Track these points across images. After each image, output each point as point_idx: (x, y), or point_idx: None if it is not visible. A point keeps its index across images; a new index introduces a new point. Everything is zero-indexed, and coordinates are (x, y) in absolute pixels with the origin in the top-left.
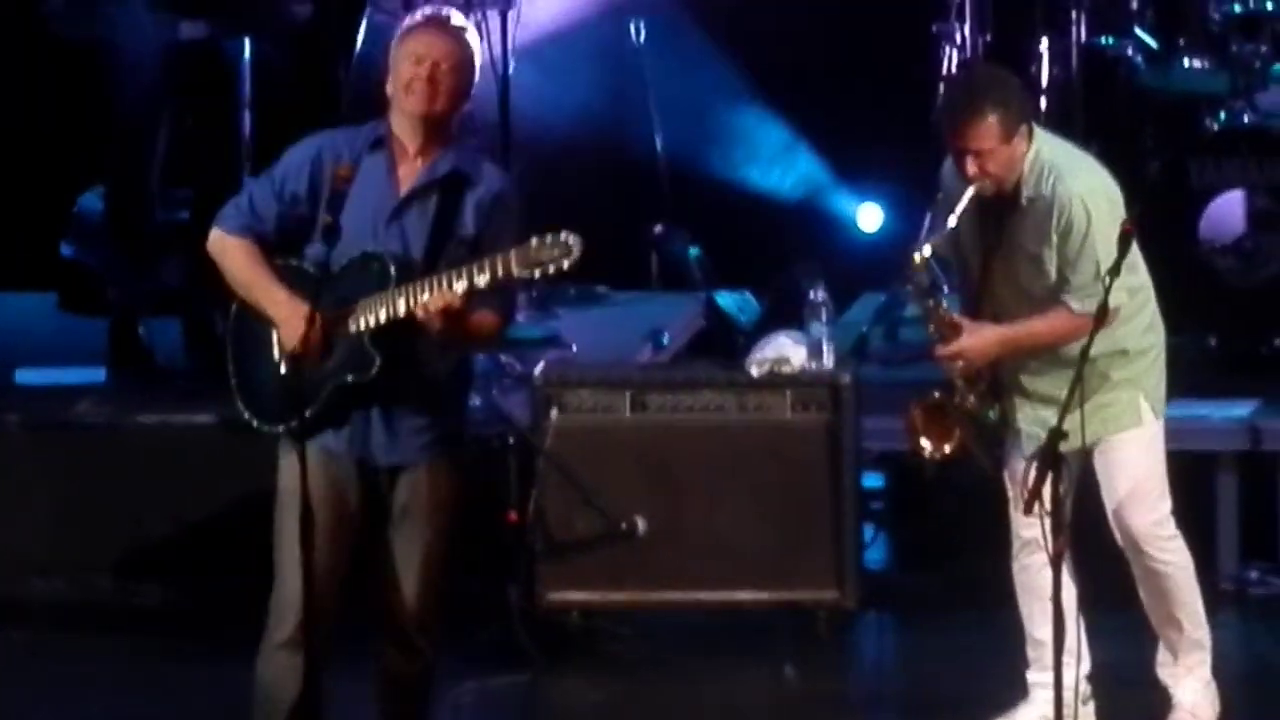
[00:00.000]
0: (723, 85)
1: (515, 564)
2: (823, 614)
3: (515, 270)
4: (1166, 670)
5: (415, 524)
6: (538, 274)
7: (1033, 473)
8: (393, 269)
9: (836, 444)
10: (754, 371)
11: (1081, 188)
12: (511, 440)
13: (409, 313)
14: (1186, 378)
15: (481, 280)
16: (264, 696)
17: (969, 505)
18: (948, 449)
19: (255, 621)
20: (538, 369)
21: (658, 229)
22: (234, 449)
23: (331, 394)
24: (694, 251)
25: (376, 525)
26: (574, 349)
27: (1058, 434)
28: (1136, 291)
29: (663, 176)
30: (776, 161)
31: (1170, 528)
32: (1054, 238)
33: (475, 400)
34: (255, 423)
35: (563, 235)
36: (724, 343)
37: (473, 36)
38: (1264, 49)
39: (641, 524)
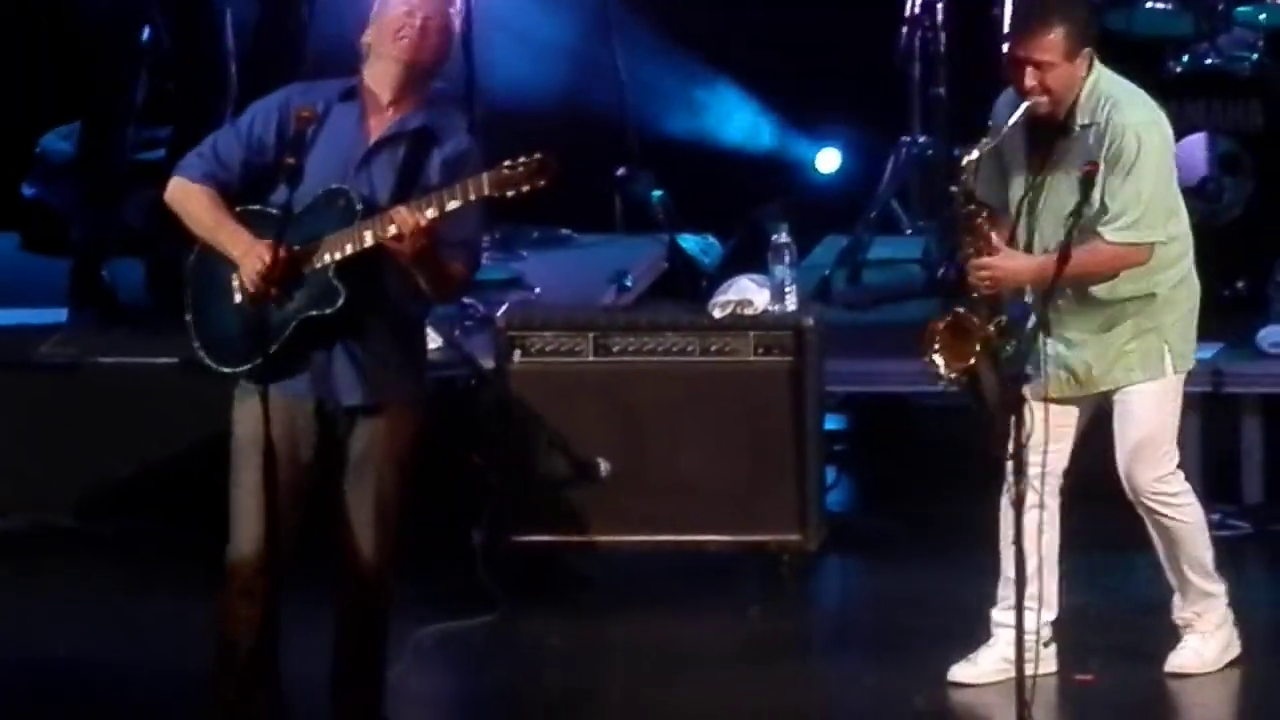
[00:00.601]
0: (684, 31)
1: (479, 506)
2: (786, 556)
3: (487, 190)
4: (1178, 612)
5: (372, 471)
6: (511, 193)
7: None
8: (358, 204)
9: (799, 386)
10: (717, 314)
11: (1137, 119)
12: (475, 382)
13: (376, 244)
14: None
15: (451, 204)
16: (223, 643)
17: (930, 448)
18: (958, 369)
19: (215, 560)
20: (501, 311)
21: (621, 171)
22: (195, 390)
23: (295, 330)
24: (657, 194)
25: (333, 470)
26: (537, 291)
27: (1020, 378)
28: (1175, 239)
29: (627, 120)
30: (736, 108)
31: (1175, 484)
32: (1102, 165)
33: (438, 342)
34: (215, 366)
35: (536, 155)
36: (687, 285)
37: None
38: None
39: (605, 466)
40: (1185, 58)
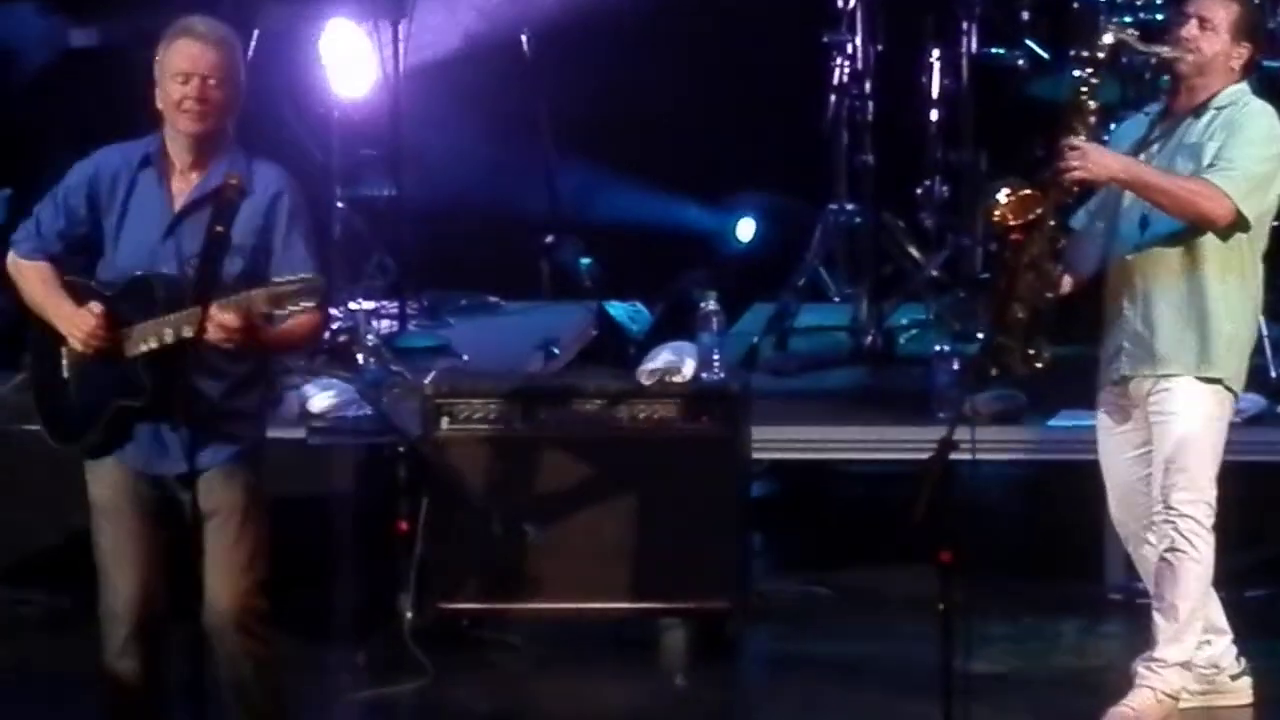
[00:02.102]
0: (611, 99)
1: (406, 573)
2: (713, 623)
3: (263, 308)
4: (1143, 662)
5: (220, 527)
6: (286, 312)
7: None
8: (160, 293)
9: (727, 453)
10: (645, 381)
11: (1271, 114)
12: (402, 450)
13: (178, 341)
14: (1079, 389)
15: (230, 319)
16: (110, 702)
17: (856, 513)
18: (1013, 233)
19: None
20: (428, 379)
21: (549, 238)
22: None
23: (109, 417)
24: (585, 261)
25: (185, 526)
26: (465, 358)
27: (948, 445)
28: (1257, 256)
29: (554, 187)
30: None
31: (1206, 516)
32: (1223, 133)
33: (365, 410)
34: (51, 440)
35: (307, 275)
36: (615, 352)
37: (235, 41)
38: (1154, 60)
39: (533, 533)
40: (1113, 126)
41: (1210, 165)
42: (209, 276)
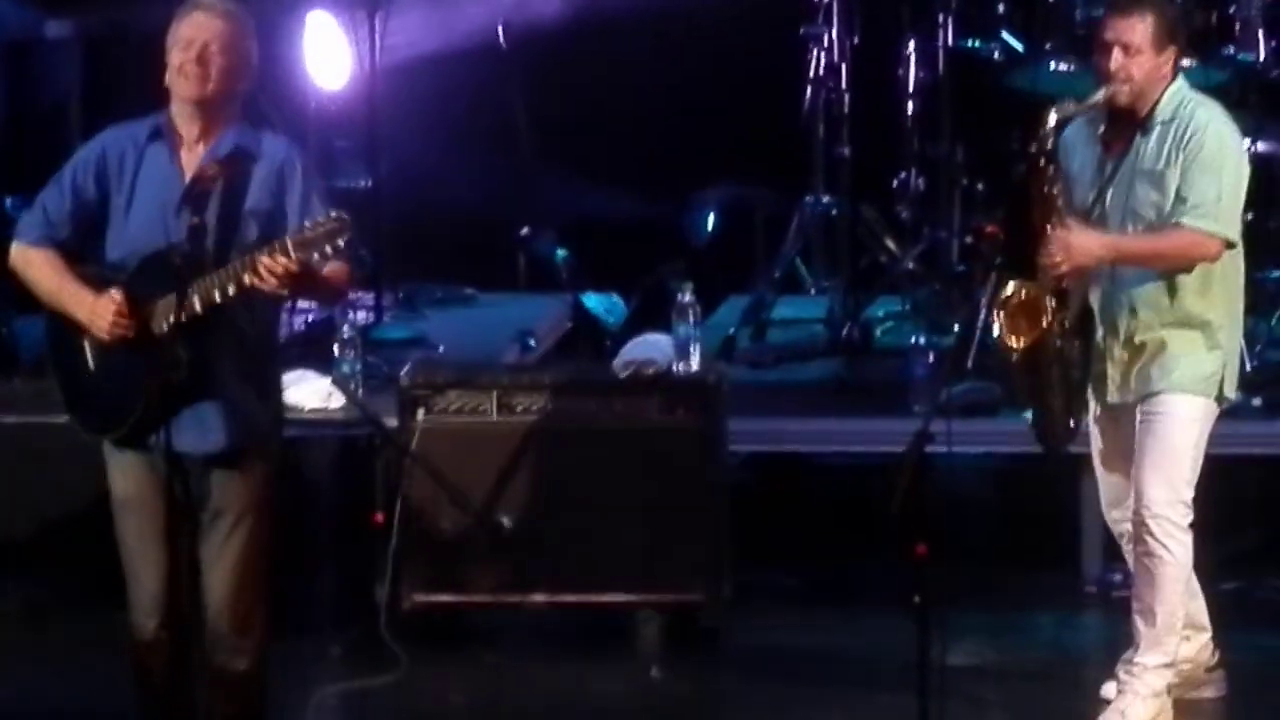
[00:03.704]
0: (587, 91)
1: (381, 564)
2: (688, 615)
3: (293, 253)
4: (1124, 666)
5: (228, 525)
6: (316, 256)
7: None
8: (179, 263)
9: (704, 445)
10: (621, 373)
11: (1220, 121)
12: (378, 441)
13: (206, 306)
14: None
15: (283, 262)
16: (138, 690)
17: (835, 506)
18: (1017, 344)
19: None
20: (404, 370)
21: (524, 230)
22: (93, 449)
23: (146, 397)
24: (561, 253)
25: (195, 519)
26: (441, 350)
27: (924, 437)
28: (1236, 257)
29: (529, 179)
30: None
31: (1183, 517)
32: (1181, 157)
33: (342, 400)
34: (86, 432)
35: (332, 213)
36: (591, 344)
37: (244, 16)
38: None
39: (508, 524)
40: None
41: (1180, 202)
42: (232, 229)
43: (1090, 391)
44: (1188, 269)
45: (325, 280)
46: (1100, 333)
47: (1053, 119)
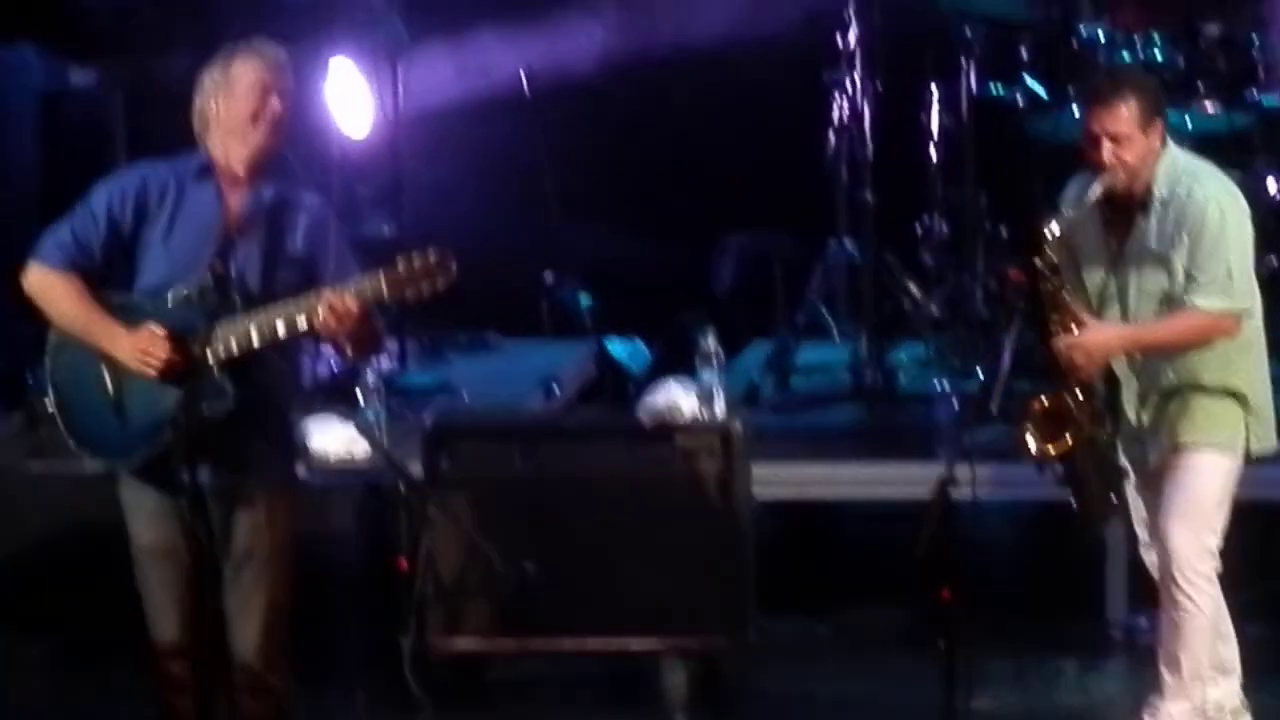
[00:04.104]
0: (613, 139)
1: (406, 611)
2: (713, 662)
3: (386, 293)
4: (1149, 712)
5: (255, 567)
6: (409, 295)
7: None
8: (237, 296)
9: (727, 491)
10: (645, 419)
11: (1217, 190)
12: (402, 488)
13: (262, 341)
14: None
15: (349, 303)
16: None
17: (859, 552)
18: (1054, 453)
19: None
20: (428, 417)
21: (548, 276)
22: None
23: (180, 426)
24: (585, 299)
25: (218, 566)
26: (465, 396)
27: (948, 483)
28: (1254, 316)
29: (554, 225)
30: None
31: (1208, 566)
32: (1185, 239)
33: (365, 447)
34: (91, 457)
35: (431, 254)
36: (615, 390)
37: (291, 70)
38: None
39: (532, 571)
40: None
41: (1191, 282)
42: (274, 271)
43: (1121, 451)
44: (1208, 345)
45: (375, 330)
46: (1127, 397)
47: (1055, 231)
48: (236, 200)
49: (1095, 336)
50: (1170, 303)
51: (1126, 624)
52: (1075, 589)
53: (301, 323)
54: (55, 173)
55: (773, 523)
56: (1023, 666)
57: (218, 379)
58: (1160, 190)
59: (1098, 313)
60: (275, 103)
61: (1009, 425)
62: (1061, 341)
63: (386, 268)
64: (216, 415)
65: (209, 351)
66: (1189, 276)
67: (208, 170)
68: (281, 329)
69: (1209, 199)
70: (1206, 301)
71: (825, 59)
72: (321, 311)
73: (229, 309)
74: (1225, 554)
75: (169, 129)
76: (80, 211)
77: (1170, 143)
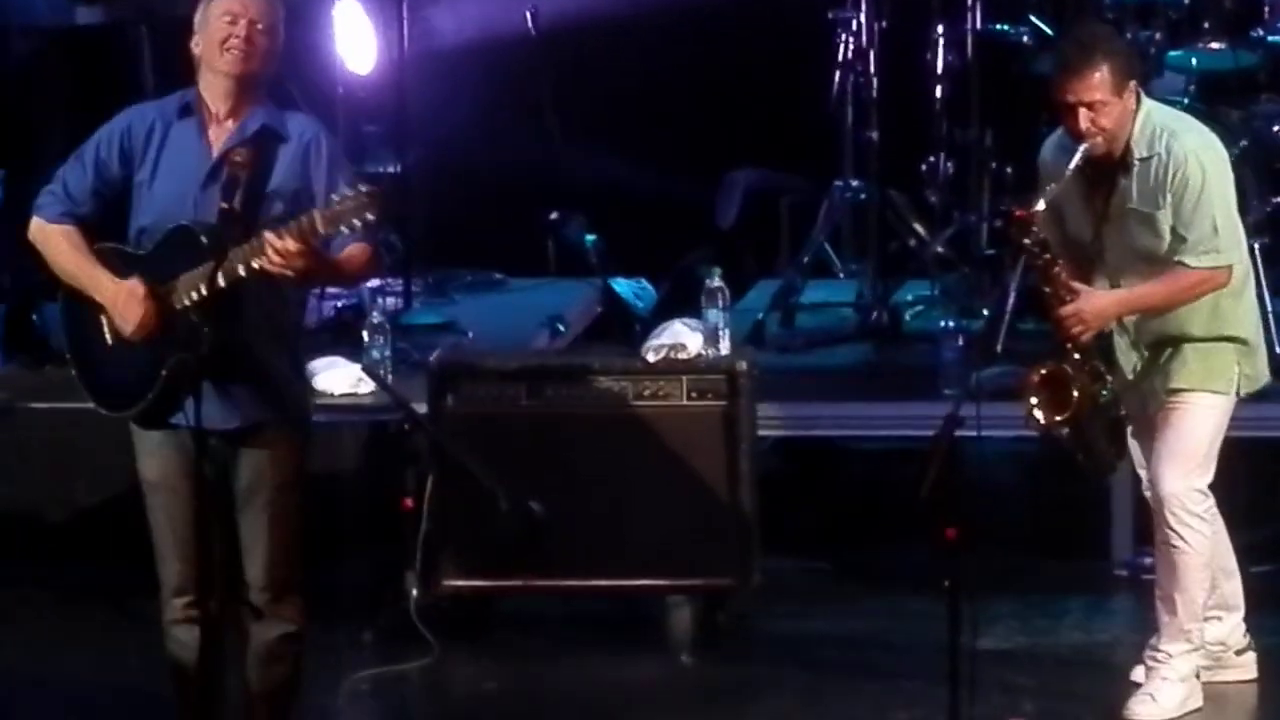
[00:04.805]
0: (618, 77)
1: (412, 551)
2: (718, 601)
3: (321, 229)
4: (1149, 652)
5: (261, 501)
6: (345, 230)
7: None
8: (203, 239)
9: (733, 430)
10: (650, 358)
11: (1195, 144)
12: (408, 427)
13: (230, 282)
14: None
15: (290, 244)
16: (171, 669)
17: (865, 491)
18: (1061, 421)
19: (148, 599)
20: (434, 356)
21: (554, 215)
22: (124, 434)
23: (167, 373)
24: (590, 238)
25: (228, 495)
26: (470, 335)
27: (953, 422)
28: (1242, 259)
29: (559, 164)
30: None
31: (1198, 505)
32: (1168, 197)
33: (371, 385)
34: (103, 410)
35: (361, 188)
36: (621, 329)
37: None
38: (1158, 35)
39: (538, 510)
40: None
41: (1179, 241)
42: (257, 206)
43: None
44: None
45: (337, 265)
46: (1120, 348)
47: (1041, 207)
48: (220, 136)
49: (1091, 304)
50: (1156, 260)
51: (1132, 563)
52: (1080, 528)
53: (246, 268)
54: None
55: (778, 462)
56: (1028, 605)
57: (193, 323)
58: (1139, 149)
59: (1086, 273)
60: (247, 29)
61: (1014, 364)
62: (1059, 311)
63: (327, 205)
64: (193, 357)
65: (175, 299)
66: (1176, 235)
67: (190, 108)
68: (240, 271)
69: (1188, 154)
70: (1196, 260)
71: None
72: (269, 253)
73: (200, 254)
74: (1231, 494)
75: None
76: (72, 161)
77: (1145, 99)
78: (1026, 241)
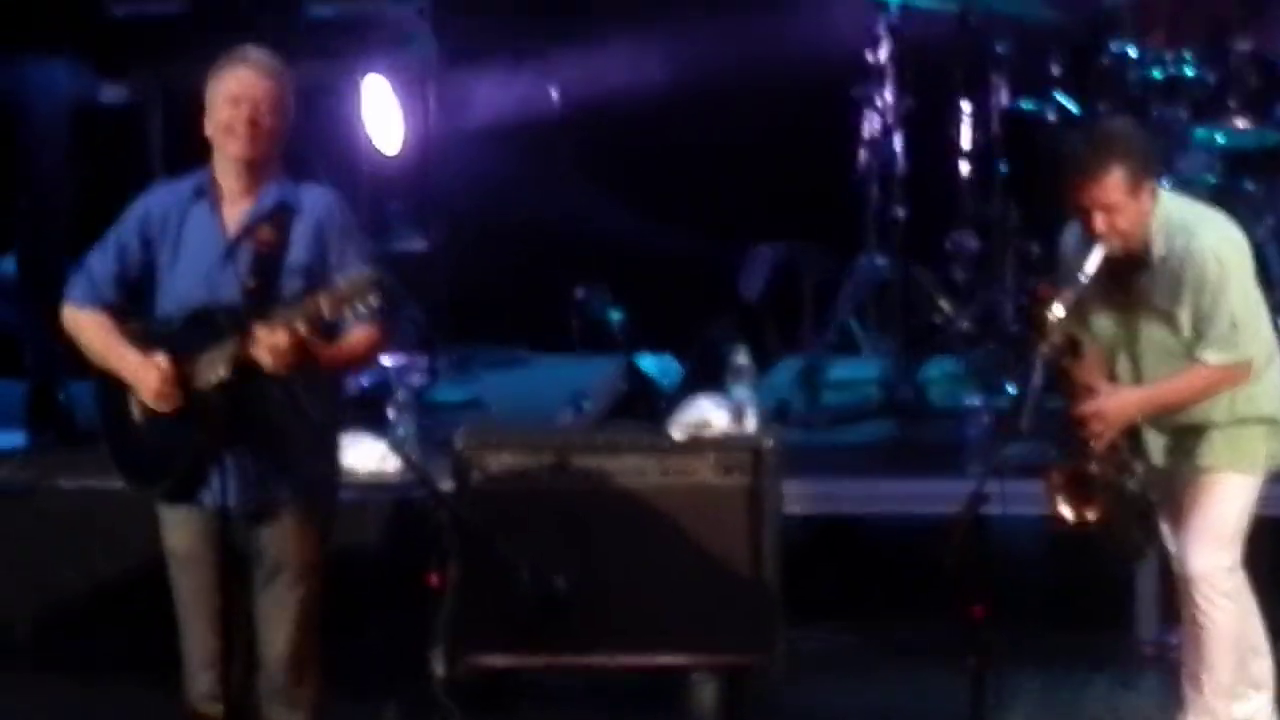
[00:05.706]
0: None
1: (436, 627)
2: (743, 677)
3: (327, 314)
4: None
5: (284, 582)
6: (350, 313)
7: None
8: (223, 320)
9: (758, 507)
10: (676, 435)
11: (1213, 240)
12: (432, 503)
13: (246, 361)
14: None
15: (279, 339)
16: None
17: (890, 568)
18: (1090, 517)
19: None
20: (458, 433)
21: (579, 291)
22: (150, 512)
23: (190, 450)
24: (615, 314)
25: (248, 574)
26: (494, 413)
27: (978, 498)
28: (1265, 342)
29: (585, 241)
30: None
31: (1226, 583)
32: (1188, 294)
33: (396, 463)
34: (131, 486)
35: (362, 273)
36: (646, 406)
37: (287, 74)
38: (1183, 113)
39: (562, 586)
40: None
41: (1199, 338)
42: (256, 301)
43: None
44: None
45: (334, 355)
46: (1146, 435)
47: (1059, 312)
48: (234, 214)
49: (1113, 403)
50: (1178, 354)
51: (1157, 640)
52: (1106, 604)
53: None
54: (91, 190)
55: (803, 537)
56: (1053, 682)
57: (209, 403)
58: (1158, 247)
59: (1109, 366)
60: (249, 112)
61: (1040, 441)
62: (1078, 410)
63: (326, 289)
64: (217, 435)
65: (198, 376)
66: (1196, 332)
67: (203, 190)
68: (223, 369)
69: (1206, 251)
70: (1215, 357)
71: (855, 74)
72: (259, 349)
73: (221, 332)
74: (1261, 570)
75: (205, 143)
76: (100, 247)
77: (1162, 195)
78: (1045, 349)
